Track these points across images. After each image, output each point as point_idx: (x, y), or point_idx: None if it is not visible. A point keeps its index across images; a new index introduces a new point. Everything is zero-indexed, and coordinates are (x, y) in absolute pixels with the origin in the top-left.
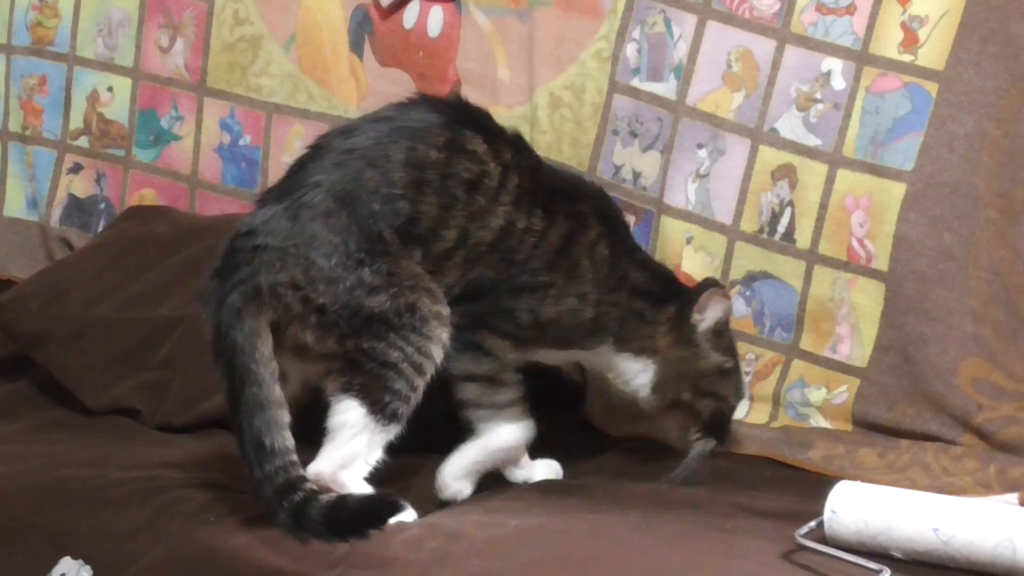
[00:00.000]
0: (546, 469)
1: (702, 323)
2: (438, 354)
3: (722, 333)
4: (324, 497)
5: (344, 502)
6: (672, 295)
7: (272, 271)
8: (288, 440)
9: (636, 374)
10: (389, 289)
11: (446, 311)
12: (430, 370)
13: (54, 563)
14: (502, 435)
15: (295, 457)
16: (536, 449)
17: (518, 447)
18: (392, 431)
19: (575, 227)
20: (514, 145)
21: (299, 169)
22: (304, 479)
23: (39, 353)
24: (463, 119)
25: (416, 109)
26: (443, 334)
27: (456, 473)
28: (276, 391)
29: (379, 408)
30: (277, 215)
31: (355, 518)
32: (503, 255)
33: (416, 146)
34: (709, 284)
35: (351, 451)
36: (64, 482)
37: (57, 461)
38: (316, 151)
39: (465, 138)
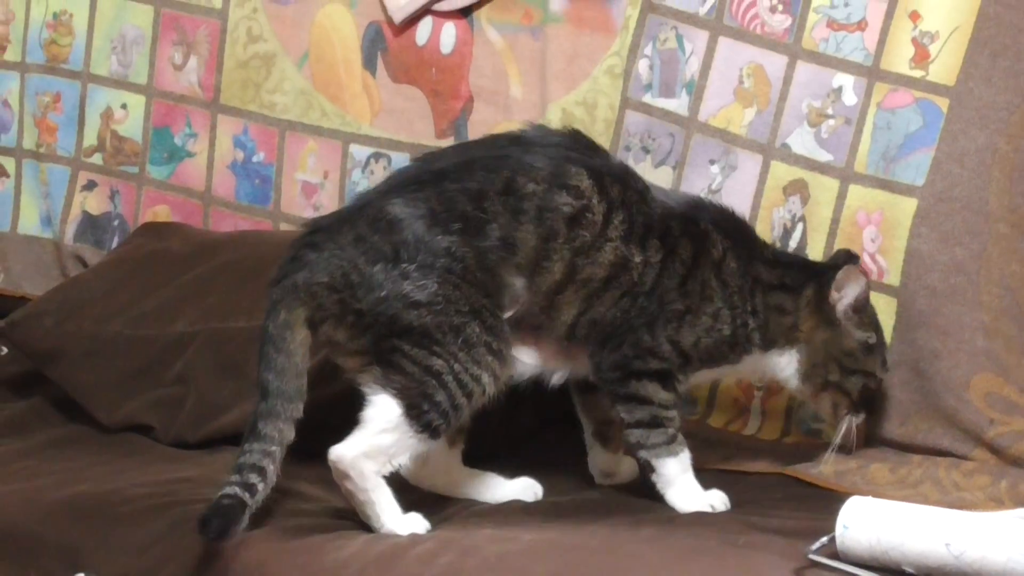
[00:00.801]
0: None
1: (841, 301)
2: (488, 382)
3: (863, 308)
4: (226, 489)
5: (215, 505)
6: (808, 278)
7: (312, 270)
8: (279, 432)
9: (784, 367)
10: (433, 306)
11: (500, 345)
12: (477, 394)
13: None
14: (668, 469)
15: (274, 448)
16: (554, 463)
17: (683, 475)
18: (425, 443)
19: (699, 248)
20: (621, 179)
21: (385, 182)
22: (257, 469)
23: (53, 370)
24: (571, 154)
25: (524, 142)
26: (496, 365)
27: None
28: (292, 384)
29: (415, 415)
30: (339, 216)
31: (207, 520)
32: (624, 291)
33: (516, 177)
34: (843, 257)
35: (377, 444)
36: (77, 498)
37: (70, 477)
38: (407, 168)
39: (569, 174)
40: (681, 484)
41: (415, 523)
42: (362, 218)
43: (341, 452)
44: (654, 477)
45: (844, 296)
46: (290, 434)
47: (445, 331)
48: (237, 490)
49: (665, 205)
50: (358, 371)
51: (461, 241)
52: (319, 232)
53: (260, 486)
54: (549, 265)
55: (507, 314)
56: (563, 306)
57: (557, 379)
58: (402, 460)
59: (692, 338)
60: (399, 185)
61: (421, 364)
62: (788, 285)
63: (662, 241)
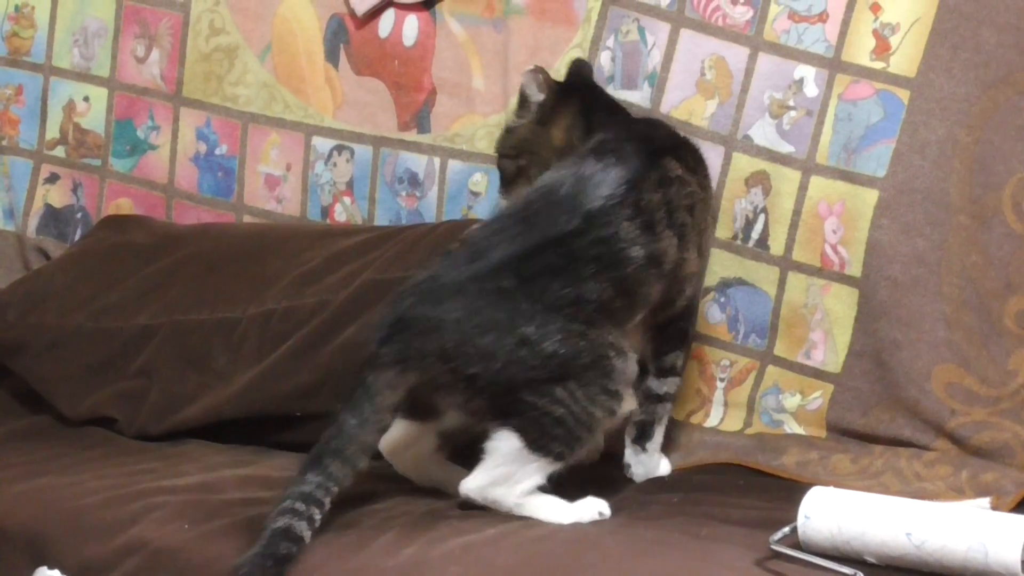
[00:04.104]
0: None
1: None
2: (603, 417)
3: None
4: (280, 524)
5: (265, 547)
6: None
7: (425, 340)
8: (343, 474)
9: None
10: (553, 362)
11: (616, 386)
12: (597, 427)
13: (30, 573)
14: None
15: (335, 488)
16: None
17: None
18: (549, 467)
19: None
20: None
21: (491, 234)
22: (317, 502)
23: (16, 362)
24: (651, 147)
25: (610, 159)
26: (612, 404)
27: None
28: (369, 438)
29: (536, 447)
30: (448, 283)
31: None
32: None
33: (638, 193)
34: (576, 73)
35: (501, 474)
36: (41, 490)
37: (33, 470)
38: (505, 221)
39: (666, 167)
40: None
41: (591, 508)
42: (473, 285)
43: (468, 488)
44: (649, 445)
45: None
46: (347, 482)
47: (565, 381)
48: (299, 526)
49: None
50: (477, 423)
51: (596, 280)
52: (423, 296)
53: (318, 519)
54: (688, 256)
55: (637, 318)
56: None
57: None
58: (537, 482)
59: (695, 288)
60: (505, 243)
61: (541, 411)
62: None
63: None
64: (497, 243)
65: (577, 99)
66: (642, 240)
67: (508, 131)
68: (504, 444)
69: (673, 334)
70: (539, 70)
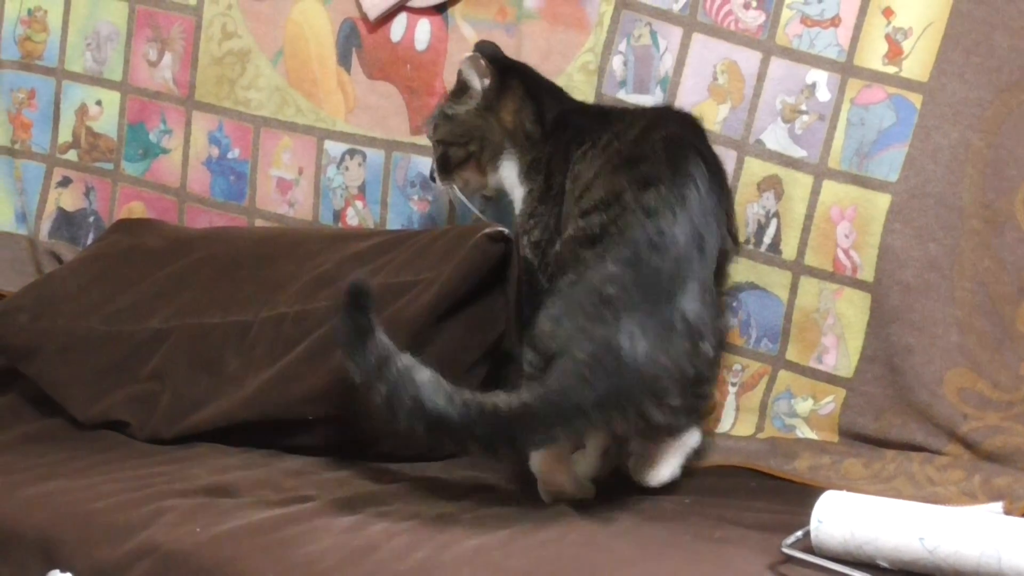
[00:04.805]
0: None
1: None
2: None
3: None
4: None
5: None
6: None
7: (636, 395)
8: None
9: None
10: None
11: None
12: None
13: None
14: None
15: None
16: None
17: None
18: None
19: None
20: None
21: (655, 272)
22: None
23: (28, 366)
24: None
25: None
26: None
27: None
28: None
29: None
30: (644, 336)
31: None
32: None
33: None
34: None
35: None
36: (52, 493)
37: (46, 473)
38: (660, 243)
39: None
40: None
41: None
42: (671, 339)
43: (661, 480)
44: None
45: None
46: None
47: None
48: None
49: None
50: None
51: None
52: (627, 355)
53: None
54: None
55: None
56: None
57: None
58: None
59: None
60: (674, 277)
61: (709, 399)
62: None
63: None
64: (683, 274)
65: (518, 81)
66: (724, 218)
67: (449, 118)
68: (692, 440)
69: None
70: (478, 56)
